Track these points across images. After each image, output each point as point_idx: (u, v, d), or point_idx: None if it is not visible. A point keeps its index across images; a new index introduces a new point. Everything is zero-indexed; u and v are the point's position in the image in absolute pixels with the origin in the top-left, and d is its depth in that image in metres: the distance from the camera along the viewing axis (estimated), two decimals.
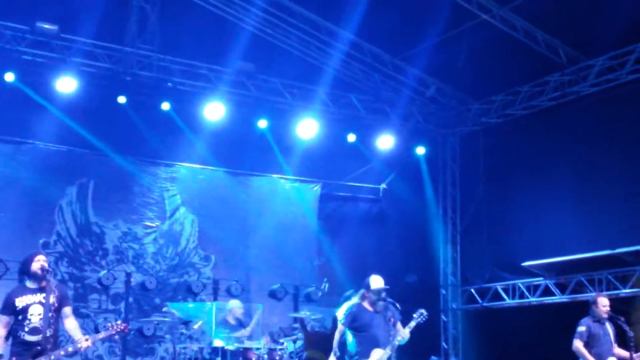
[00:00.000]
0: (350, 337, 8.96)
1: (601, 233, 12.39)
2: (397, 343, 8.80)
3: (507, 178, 14.47)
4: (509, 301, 14.15)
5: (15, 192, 12.40)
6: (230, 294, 13.11)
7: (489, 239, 14.64)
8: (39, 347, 7.60)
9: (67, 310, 8.08)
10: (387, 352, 8.83)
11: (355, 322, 8.96)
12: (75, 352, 7.69)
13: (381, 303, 9.08)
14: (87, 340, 7.87)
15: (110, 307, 12.86)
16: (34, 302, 7.80)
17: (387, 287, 9.19)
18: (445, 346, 14.96)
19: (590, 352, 9.59)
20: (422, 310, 9.07)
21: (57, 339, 7.86)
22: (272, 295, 13.57)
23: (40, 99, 12.18)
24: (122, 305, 12.91)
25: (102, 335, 8.34)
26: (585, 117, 13.23)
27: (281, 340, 11.83)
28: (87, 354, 12.34)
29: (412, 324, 8.96)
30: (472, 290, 15.02)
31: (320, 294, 13.57)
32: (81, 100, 12.32)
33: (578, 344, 9.63)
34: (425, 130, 15.27)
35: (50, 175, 12.77)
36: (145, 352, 12.88)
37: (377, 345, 8.86)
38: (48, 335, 7.51)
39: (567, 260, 12.89)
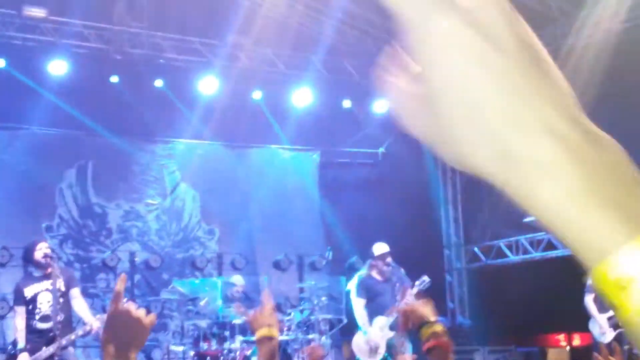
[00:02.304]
0: (359, 307, 9.06)
1: None
2: (401, 308, 8.88)
3: None
4: (512, 257, 14.21)
5: (15, 178, 12.41)
6: (235, 268, 13.18)
7: (489, 196, 14.61)
8: (51, 334, 7.69)
9: (75, 291, 8.17)
10: (392, 316, 8.93)
11: (367, 292, 9.07)
12: (88, 333, 7.76)
13: (387, 269, 9.18)
14: (98, 319, 7.96)
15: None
16: (42, 290, 7.87)
17: (390, 252, 9.29)
18: (452, 306, 15.05)
19: (597, 307, 9.67)
20: (425, 277, 9.16)
21: (70, 322, 7.93)
22: (277, 265, 13.62)
23: (32, 84, 12.15)
24: (129, 283, 12.93)
25: (99, 322, 8.43)
26: (580, 69, 13.20)
27: (288, 311, 11.92)
28: (100, 333, 12.45)
29: (415, 290, 9.03)
30: (476, 249, 15.08)
31: (324, 262, 13.64)
32: (74, 82, 12.30)
33: (587, 299, 9.70)
34: None
35: (48, 159, 12.78)
36: (158, 328, 12.96)
37: (383, 312, 8.96)
38: (59, 320, 7.59)
39: None
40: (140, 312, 2.09)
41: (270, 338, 2.90)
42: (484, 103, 0.61)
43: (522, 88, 0.61)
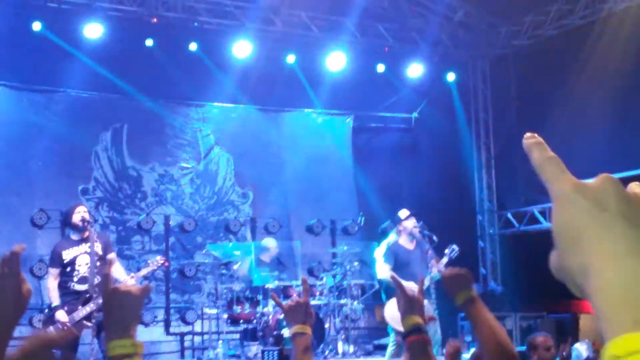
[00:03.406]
0: (388, 272, 9.05)
1: (637, 154, 12.31)
2: (433, 276, 8.91)
3: (539, 100, 14.33)
4: (545, 224, 14.12)
5: (51, 141, 12.50)
6: (268, 232, 13.20)
7: (523, 162, 14.44)
8: (87, 295, 7.87)
9: (112, 256, 8.35)
10: (425, 282, 8.96)
11: (395, 260, 9.06)
12: None
13: (418, 233, 9.19)
14: (132, 277, 8.12)
15: (154, 247, 13.03)
16: (81, 253, 8.04)
17: (419, 219, 9.29)
18: (484, 272, 15.06)
19: None
20: (454, 246, 9.14)
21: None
22: (310, 230, 13.66)
23: (68, 47, 12.19)
24: (163, 246, 13.03)
25: (144, 271, 8.60)
26: (619, 34, 13.02)
27: (321, 275, 12.00)
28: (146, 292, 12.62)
29: (445, 259, 9.03)
30: (509, 215, 15.05)
31: (357, 227, 13.67)
32: (109, 45, 12.32)
33: None
34: (454, 56, 15.13)
35: (83, 122, 12.86)
36: (193, 290, 13.11)
37: (413, 277, 8.99)
38: (96, 282, 7.76)
39: None
40: (130, 287, 2.15)
41: (303, 334, 2.94)
42: (584, 240, 0.86)
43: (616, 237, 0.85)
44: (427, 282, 8.93)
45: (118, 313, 2.04)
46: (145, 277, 9.41)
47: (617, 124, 12.82)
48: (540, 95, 14.34)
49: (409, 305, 2.84)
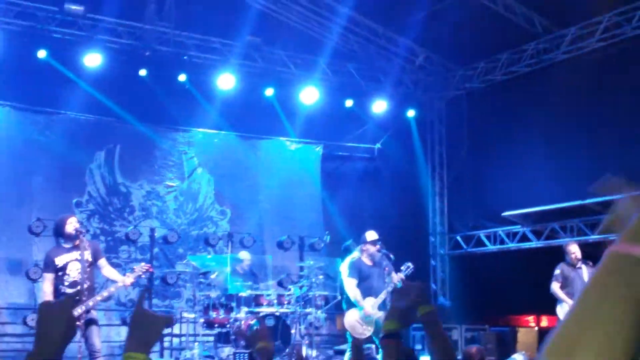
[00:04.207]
0: (351, 286, 9.05)
1: (571, 186, 12.42)
2: (390, 290, 8.91)
3: (488, 137, 14.46)
4: (490, 247, 14.23)
5: (50, 158, 12.42)
6: (243, 246, 13.12)
7: (472, 191, 14.68)
8: (77, 298, 7.74)
9: (102, 261, 8.26)
10: (381, 297, 8.96)
11: (357, 273, 9.05)
12: (109, 298, 7.84)
13: (377, 254, 9.17)
14: (128, 277, 8.07)
15: (139, 257, 12.92)
16: (71, 260, 7.93)
17: (381, 239, 9.29)
18: (435, 287, 15.07)
19: (564, 292, 9.76)
20: (409, 264, 9.17)
21: (94, 289, 8.02)
22: (280, 245, 13.60)
23: (69, 74, 12.15)
24: (148, 255, 12.92)
25: (130, 278, 8.49)
26: (558, 82, 13.18)
27: (289, 287, 11.94)
28: (120, 297, 12.50)
29: (401, 275, 9.04)
30: (458, 238, 15.09)
31: (322, 244, 13.63)
32: (106, 74, 12.28)
33: (554, 286, 9.82)
34: (414, 95, 15.22)
35: (80, 141, 12.80)
36: (173, 296, 13.03)
37: (372, 293, 8.98)
38: (85, 287, 7.66)
39: (542, 210, 12.95)
40: (157, 314, 2.25)
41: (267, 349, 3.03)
42: None
43: None
44: (383, 296, 8.94)
45: (142, 331, 2.12)
46: (132, 285, 9.32)
47: (553, 160, 12.94)
48: (489, 133, 14.47)
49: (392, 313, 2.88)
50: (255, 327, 9.86)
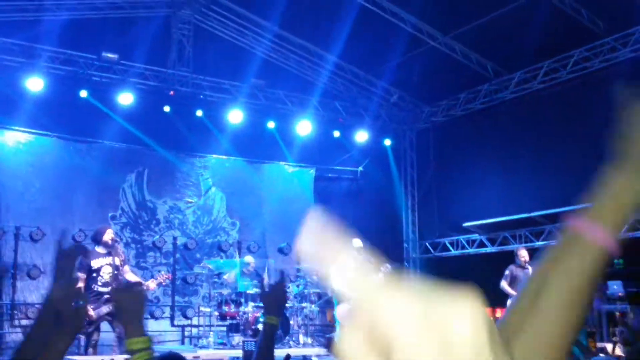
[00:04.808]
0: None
1: (520, 201, 12.50)
2: None
3: (450, 161, 14.55)
4: (453, 252, 14.27)
5: (89, 179, 12.40)
6: (250, 251, 13.17)
7: (438, 206, 14.73)
8: (108, 296, 7.71)
9: (127, 268, 8.26)
10: None
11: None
12: None
13: (360, 257, 9.16)
14: (152, 282, 8.04)
15: (163, 261, 12.90)
16: (105, 264, 7.92)
17: (363, 245, 9.28)
18: None
19: (512, 289, 9.76)
20: (387, 264, 9.15)
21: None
22: (280, 251, 13.60)
23: (106, 109, 12.18)
24: (171, 260, 12.96)
25: (153, 283, 8.45)
26: (507, 116, 13.32)
27: (288, 285, 11.92)
28: (147, 295, 12.44)
29: (381, 274, 9.02)
30: (427, 244, 15.13)
31: None
32: (136, 109, 12.32)
33: (503, 284, 9.83)
34: (390, 127, 15.31)
35: (114, 165, 12.78)
36: (192, 293, 12.95)
37: None
38: (114, 287, 7.63)
39: (496, 221, 13.01)
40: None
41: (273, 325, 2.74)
42: None
43: None
44: None
45: (131, 306, 1.95)
46: (157, 285, 9.32)
47: (504, 180, 13.03)
48: (451, 158, 14.56)
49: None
50: (261, 320, 9.79)
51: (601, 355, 7.64)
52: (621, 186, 0.88)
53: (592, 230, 0.85)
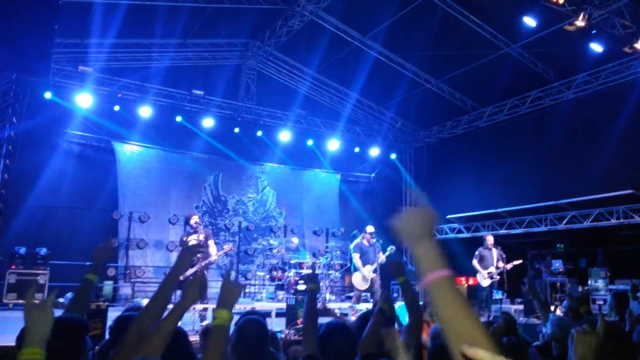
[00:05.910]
0: (356, 258, 8.99)
1: (488, 200, 12.29)
2: (379, 261, 8.81)
3: (439, 171, 14.38)
4: (439, 236, 14.07)
5: (181, 179, 12.53)
6: (293, 233, 13.21)
7: (430, 202, 14.51)
8: (194, 262, 7.75)
9: (211, 242, 8.25)
10: (374, 266, 8.86)
11: (359, 251, 8.98)
12: (211, 263, 7.82)
13: (372, 240, 9.10)
14: (218, 253, 8.03)
15: (230, 239, 12.96)
16: (192, 239, 7.96)
17: (374, 231, 9.22)
18: (406, 259, 14.85)
19: (480, 265, 9.57)
20: (392, 246, 9.03)
21: (205, 258, 7.99)
22: (315, 233, 13.64)
23: (195, 129, 12.24)
24: (236, 238, 13.02)
25: (222, 252, 8.46)
26: (481, 139, 13.11)
27: (319, 258, 11.92)
28: (218, 263, 12.49)
29: (387, 253, 8.92)
30: None
31: (339, 233, 13.62)
32: (216, 130, 12.35)
33: (474, 261, 9.63)
34: (395, 145, 15.17)
35: (199, 169, 12.85)
36: (251, 262, 13.01)
37: (369, 263, 8.90)
38: (199, 257, 7.66)
39: (471, 214, 12.82)
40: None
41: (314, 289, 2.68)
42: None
43: None
44: (375, 265, 8.84)
45: (197, 289, 1.89)
46: (225, 254, 9.33)
47: (478, 184, 12.82)
48: (439, 169, 14.39)
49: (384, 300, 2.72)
50: (306, 276, 9.79)
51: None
52: (416, 253, 1.13)
53: (434, 275, 1.06)
